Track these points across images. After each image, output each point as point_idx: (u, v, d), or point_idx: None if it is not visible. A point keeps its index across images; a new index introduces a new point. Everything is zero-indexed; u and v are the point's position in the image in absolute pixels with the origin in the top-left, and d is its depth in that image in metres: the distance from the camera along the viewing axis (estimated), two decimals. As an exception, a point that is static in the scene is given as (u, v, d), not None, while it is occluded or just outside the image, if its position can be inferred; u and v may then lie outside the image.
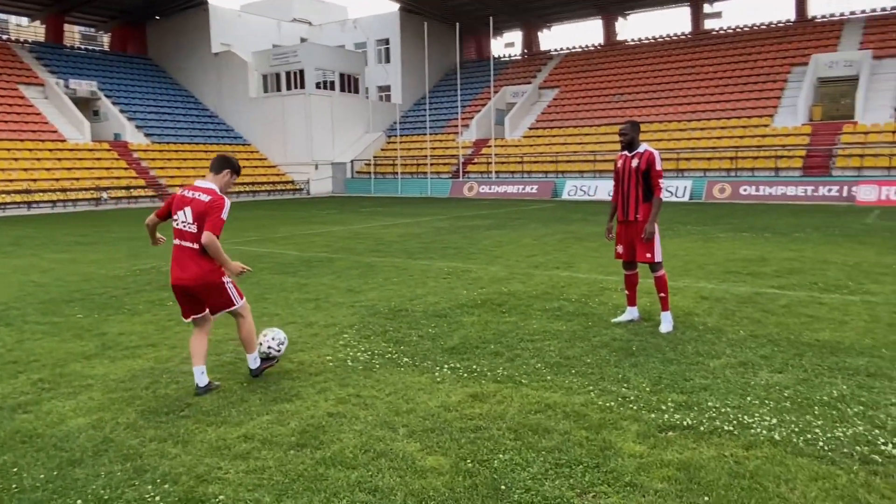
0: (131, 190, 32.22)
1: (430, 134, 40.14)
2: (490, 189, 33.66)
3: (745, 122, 31.81)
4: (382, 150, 42.31)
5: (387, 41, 46.49)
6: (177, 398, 4.55)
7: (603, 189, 30.31)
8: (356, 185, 40.28)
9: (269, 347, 5.05)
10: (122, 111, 37.87)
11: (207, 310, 4.78)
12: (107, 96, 38.06)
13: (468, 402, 4.34)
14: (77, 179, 30.95)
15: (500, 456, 3.49)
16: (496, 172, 35.43)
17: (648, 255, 6.07)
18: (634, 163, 6.14)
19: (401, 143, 40.99)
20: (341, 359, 5.39)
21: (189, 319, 4.81)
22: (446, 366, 5.12)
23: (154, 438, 3.86)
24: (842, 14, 37.87)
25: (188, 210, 4.57)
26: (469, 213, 22.37)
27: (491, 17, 40.53)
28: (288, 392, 4.62)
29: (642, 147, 6.21)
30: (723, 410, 4.06)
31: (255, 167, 39.92)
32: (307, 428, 3.95)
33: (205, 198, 4.58)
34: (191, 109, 42.70)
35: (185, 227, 4.58)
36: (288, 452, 3.62)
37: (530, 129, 38.54)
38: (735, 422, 3.88)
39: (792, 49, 35.89)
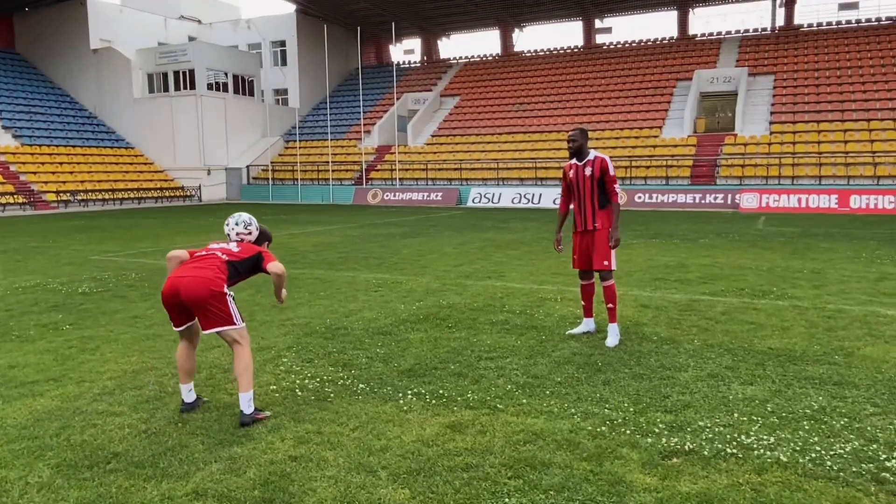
0: (-2, 196, 29.08)
1: (332, 139, 39.17)
2: (395, 196, 33.23)
3: (636, 133, 33.28)
4: (280, 155, 40.81)
5: (283, 43, 44.99)
6: (97, 446, 3.81)
7: (507, 196, 30.72)
8: (253, 192, 38.58)
9: (237, 234, 4.63)
10: (-16, 109, 34.23)
11: (197, 319, 4.23)
12: (-34, 93, 34.29)
13: (447, 434, 3.91)
14: (-69, 185, 27.55)
15: (507, 501, 3.10)
16: (400, 179, 35.04)
17: (606, 263, 5.89)
18: (587, 171, 5.95)
19: (300, 148, 39.70)
20: (287, 388, 4.80)
21: (182, 327, 4.28)
22: (409, 391, 4.66)
23: (79, 502, 3.16)
24: (719, 33, 40.61)
25: (219, 254, 4.38)
26: (379, 220, 21.83)
27: (393, 24, 40.22)
28: (234, 432, 4.00)
29: (592, 154, 6.03)
30: (716, 430, 3.88)
31: (141, 172, 37.32)
32: (269, 477, 3.38)
33: (235, 248, 4.45)
34: (66, 109, 39.31)
35: (220, 252, 4.38)
36: (254, 511, 3.05)
37: (433, 136, 38.48)
38: (734, 443, 3.70)
39: (676, 64, 38.07)
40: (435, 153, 36.39)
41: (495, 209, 28.39)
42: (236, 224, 4.64)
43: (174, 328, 4.33)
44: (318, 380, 4.97)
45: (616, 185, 5.95)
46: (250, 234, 4.64)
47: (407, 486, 3.26)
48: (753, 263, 10.70)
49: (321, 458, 3.61)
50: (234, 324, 4.18)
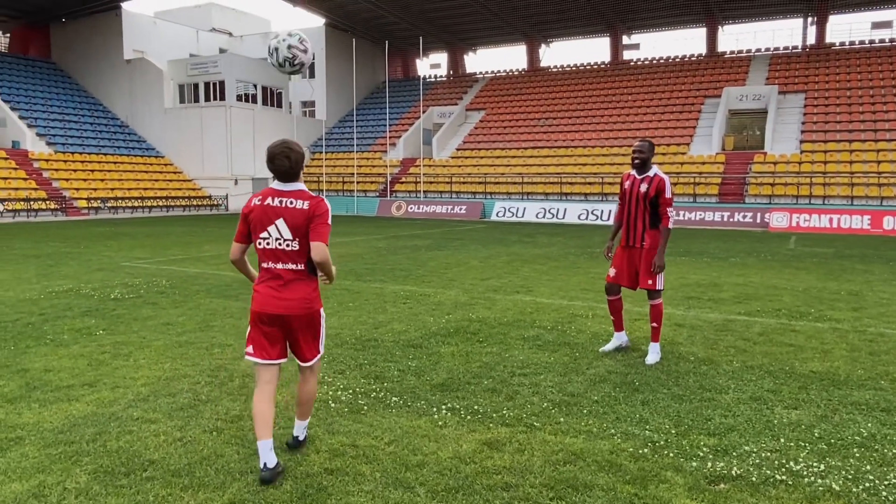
0: (31, 202, 29.67)
1: (357, 151, 39.43)
2: (419, 209, 33.28)
3: (663, 150, 33.01)
4: (307, 166, 41.16)
5: (311, 56, 45.49)
6: (133, 453, 3.80)
7: (531, 211, 30.60)
8: (278, 202, 38.85)
9: (289, 46, 4.02)
10: (21, 117, 35.03)
11: (285, 358, 3.67)
12: (5, 101, 35.11)
13: (483, 451, 3.84)
14: (-32, 189, 28.21)
15: (550, 521, 3.02)
16: (424, 192, 35.12)
17: (650, 282, 5.78)
18: (643, 187, 5.77)
19: (326, 159, 40.03)
20: (321, 398, 4.76)
21: (276, 361, 3.60)
22: (443, 406, 4.59)
23: (117, 510, 3.14)
24: (748, 51, 40.27)
25: (281, 223, 3.49)
26: (404, 232, 21.85)
27: (420, 38, 40.52)
28: (269, 442, 3.96)
29: (653, 171, 5.82)
30: (763, 455, 3.76)
31: (170, 181, 37.87)
32: (307, 491, 3.33)
33: (302, 204, 3.49)
34: (99, 118, 40.09)
35: (281, 244, 3.51)
36: (292, 524, 3.00)
37: (458, 149, 38.57)
38: (783, 469, 3.57)
39: (705, 81, 37.78)
40: (459, 166, 36.45)
41: (519, 223, 28.29)
42: (289, 35, 3.97)
43: (263, 360, 3.58)
44: (350, 391, 4.93)
45: (670, 209, 5.74)
46: (305, 51, 4.03)
47: (446, 504, 3.19)
48: (788, 284, 10.48)
49: (357, 472, 3.56)
50: (320, 351, 3.75)
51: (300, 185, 3.57)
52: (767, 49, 39.76)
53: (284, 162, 3.51)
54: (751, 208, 27.19)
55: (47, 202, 30.44)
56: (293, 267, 3.54)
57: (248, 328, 3.65)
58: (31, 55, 42.22)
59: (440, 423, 4.29)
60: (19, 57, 41.50)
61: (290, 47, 3.89)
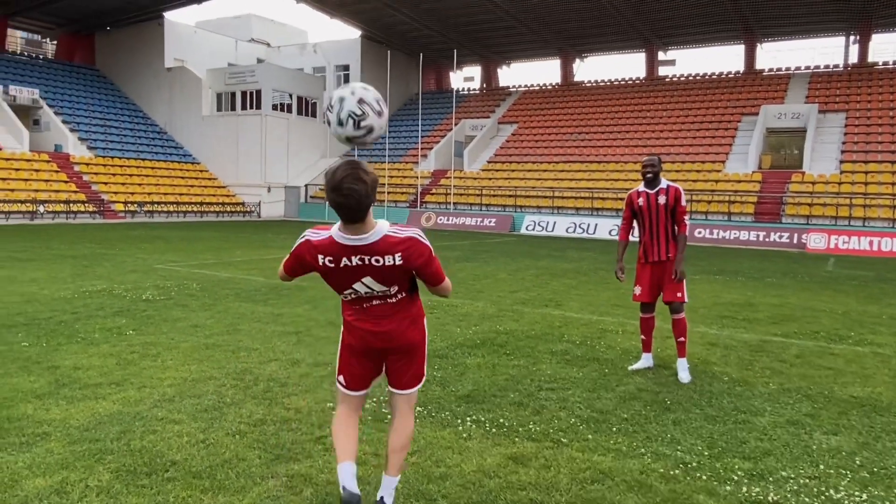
0: (70, 204, 30.41)
1: (389, 162, 39.67)
2: (448, 220, 33.28)
3: (698, 167, 32.55)
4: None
5: (347, 67, 46.08)
6: (156, 453, 3.79)
7: (561, 225, 30.37)
8: (310, 210, 39.27)
9: (361, 101, 2.66)
10: (64, 122, 36.03)
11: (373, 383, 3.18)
12: (49, 105, 36.17)
13: (508, 465, 3.74)
14: (12, 191, 29.02)
15: (576, 541, 2.91)
16: (454, 204, 35.14)
17: (679, 294, 5.69)
18: (661, 200, 5.78)
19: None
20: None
21: (361, 392, 3.13)
22: (468, 418, 4.51)
23: (137, 510, 3.12)
24: (788, 69, 39.59)
25: (370, 281, 2.83)
26: (432, 243, 21.60)
27: (454, 51, 40.74)
28: (290, 447, 3.92)
29: (663, 183, 5.86)
30: (801, 482, 3.59)
31: (204, 187, 38.52)
32: (327, 499, 3.28)
33: (392, 259, 2.76)
34: (138, 124, 41.05)
35: (372, 293, 2.89)
36: (311, 532, 2.94)
37: (489, 162, 38.56)
38: (823, 497, 3.41)
39: (742, 99, 37.22)
40: (490, 179, 36.41)
41: (549, 238, 28.08)
42: (365, 89, 2.70)
43: (350, 392, 3.08)
44: (374, 400, 4.87)
45: (686, 216, 5.81)
46: (380, 114, 2.71)
47: (469, 519, 3.10)
48: (826, 306, 10.16)
49: (379, 481, 3.48)
50: (421, 380, 3.16)
51: (378, 229, 2.74)
52: (808, 67, 39.04)
53: (355, 191, 2.60)
54: (787, 228, 26.58)
55: (86, 204, 31.17)
56: (391, 301, 2.93)
57: (339, 353, 3.13)
58: (76, 62, 43.49)
59: (464, 435, 4.21)
60: (65, 63, 42.78)
61: (361, 102, 2.65)
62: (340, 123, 2.68)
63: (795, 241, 25.82)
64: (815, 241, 25.05)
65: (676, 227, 5.83)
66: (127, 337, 6.70)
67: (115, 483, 3.39)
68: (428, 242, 2.87)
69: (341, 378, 3.11)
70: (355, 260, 2.75)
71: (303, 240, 2.86)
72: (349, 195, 2.59)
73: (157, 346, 6.36)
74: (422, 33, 43.75)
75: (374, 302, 2.92)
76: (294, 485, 3.43)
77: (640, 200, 5.91)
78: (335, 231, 2.78)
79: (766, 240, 26.48)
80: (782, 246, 25.87)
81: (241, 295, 9.58)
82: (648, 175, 5.81)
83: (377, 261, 2.75)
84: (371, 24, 43.50)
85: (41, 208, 28.81)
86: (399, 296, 2.92)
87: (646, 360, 6.07)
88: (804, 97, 35.73)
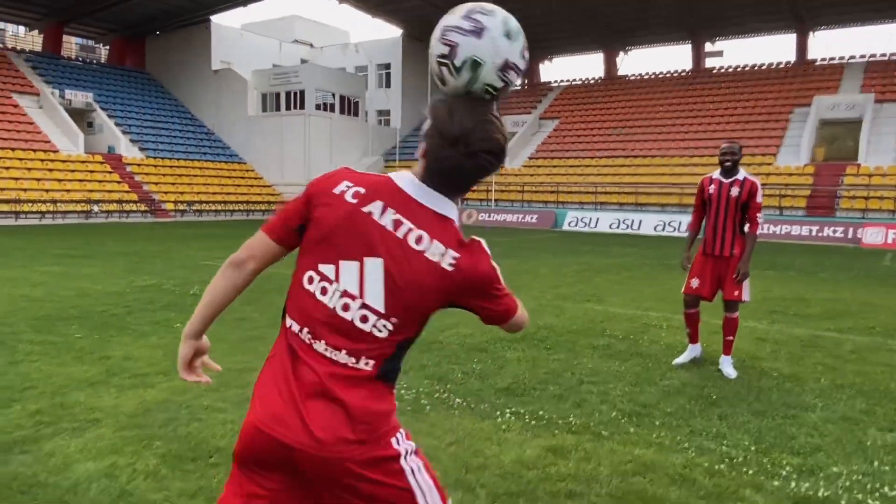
0: (123, 204, 31.41)
1: (430, 159, 39.77)
2: (490, 217, 33.19)
3: (748, 160, 31.62)
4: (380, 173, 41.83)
5: (388, 66, 46.36)
6: (201, 440, 3.88)
7: (605, 221, 29.94)
8: (352, 208, 39.66)
9: (504, 67, 1.69)
10: (117, 124, 37.21)
11: None
12: (102, 108, 37.39)
13: (547, 457, 3.70)
14: (68, 191, 30.13)
15: (616, 533, 2.86)
16: (496, 200, 35.02)
17: (737, 293, 5.49)
18: (734, 191, 5.49)
19: (399, 167, 40.50)
20: (384, 397, 4.74)
21: None
22: (507, 410, 4.48)
23: (182, 493, 3.19)
24: (842, 58, 38.18)
25: (374, 269, 1.65)
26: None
27: (495, 46, 40.56)
28: (331, 437, 3.96)
29: (741, 174, 5.56)
30: (854, 478, 3.46)
31: (251, 186, 39.30)
32: (366, 485, 3.30)
33: (440, 255, 1.63)
34: (187, 125, 42.11)
35: (351, 312, 1.67)
36: (350, 518, 2.96)
37: (530, 158, 38.29)
38: (877, 493, 3.28)
39: (794, 90, 36.04)
40: (532, 175, 36.15)
41: (592, 234, 27.74)
42: (510, 39, 1.74)
43: None
44: (413, 391, 4.89)
45: (759, 215, 5.46)
46: (521, 71, 1.75)
47: (507, 509, 3.08)
48: (883, 301, 9.77)
49: (417, 470, 3.50)
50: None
51: (452, 207, 1.70)
52: (862, 56, 37.58)
53: (491, 149, 1.62)
54: (842, 222, 25.65)
55: (138, 204, 32.14)
56: (354, 362, 1.63)
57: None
58: (128, 66, 44.86)
59: (503, 426, 4.19)
60: (116, 67, 44.17)
61: (505, 68, 1.71)
62: (469, 91, 1.66)
63: (850, 235, 24.89)
64: (872, 236, 24.12)
65: (748, 225, 5.51)
66: (175, 329, 6.88)
67: (162, 467, 3.48)
68: (497, 268, 1.77)
69: None
70: (388, 217, 1.62)
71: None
72: (483, 154, 1.60)
73: (203, 338, 6.50)
74: (463, 30, 43.66)
75: (329, 352, 1.64)
76: (333, 472, 3.46)
77: (712, 188, 5.64)
78: (397, 176, 1.71)
79: (820, 234, 25.60)
80: (836, 241, 24.98)
81: (283, 289, 9.65)
82: (727, 164, 5.53)
83: (417, 240, 1.60)
84: (412, 23, 43.66)
85: (95, 208, 29.83)
86: (370, 361, 1.63)
87: (693, 351, 5.92)
88: (859, 87, 34.40)
